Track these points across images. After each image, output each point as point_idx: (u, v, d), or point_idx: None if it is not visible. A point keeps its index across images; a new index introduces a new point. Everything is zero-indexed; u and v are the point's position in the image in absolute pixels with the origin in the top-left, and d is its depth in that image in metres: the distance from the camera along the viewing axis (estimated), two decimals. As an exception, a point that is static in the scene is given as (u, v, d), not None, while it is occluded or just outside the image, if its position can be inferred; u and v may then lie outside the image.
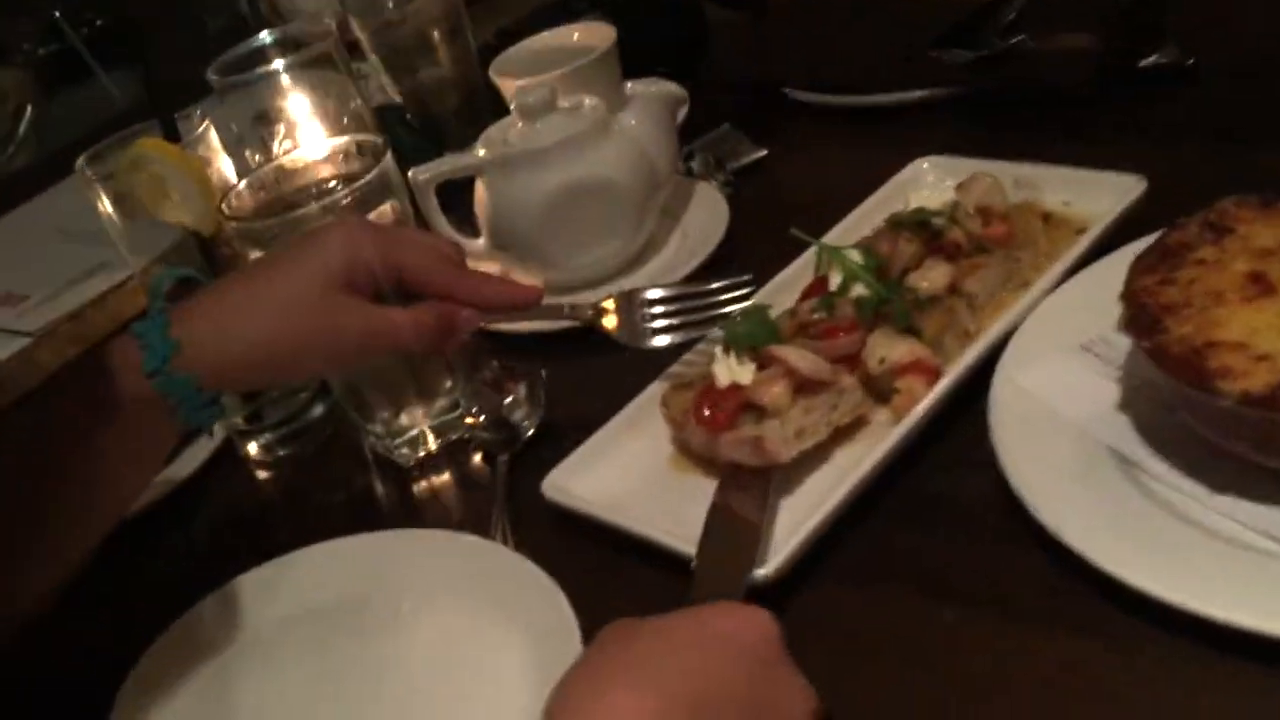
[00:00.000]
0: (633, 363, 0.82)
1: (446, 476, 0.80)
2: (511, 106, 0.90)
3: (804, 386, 0.65)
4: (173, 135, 0.80)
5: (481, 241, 0.92)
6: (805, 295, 0.73)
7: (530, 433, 0.77)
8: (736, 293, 0.74)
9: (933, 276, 0.70)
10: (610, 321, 0.73)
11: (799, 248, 0.81)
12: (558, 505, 0.69)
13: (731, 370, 0.66)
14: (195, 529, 0.83)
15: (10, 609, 0.63)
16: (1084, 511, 0.56)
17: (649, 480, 0.69)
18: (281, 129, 0.98)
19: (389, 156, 0.74)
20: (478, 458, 0.78)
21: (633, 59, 0.96)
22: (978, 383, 0.66)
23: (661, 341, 0.73)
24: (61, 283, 1.05)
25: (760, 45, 1.14)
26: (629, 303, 0.74)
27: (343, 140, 0.81)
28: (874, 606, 0.60)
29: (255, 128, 0.96)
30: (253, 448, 0.86)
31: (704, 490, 0.66)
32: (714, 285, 0.75)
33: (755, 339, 0.67)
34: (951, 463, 0.65)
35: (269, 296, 0.65)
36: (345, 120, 0.97)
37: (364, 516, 0.79)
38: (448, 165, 0.89)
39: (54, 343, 0.99)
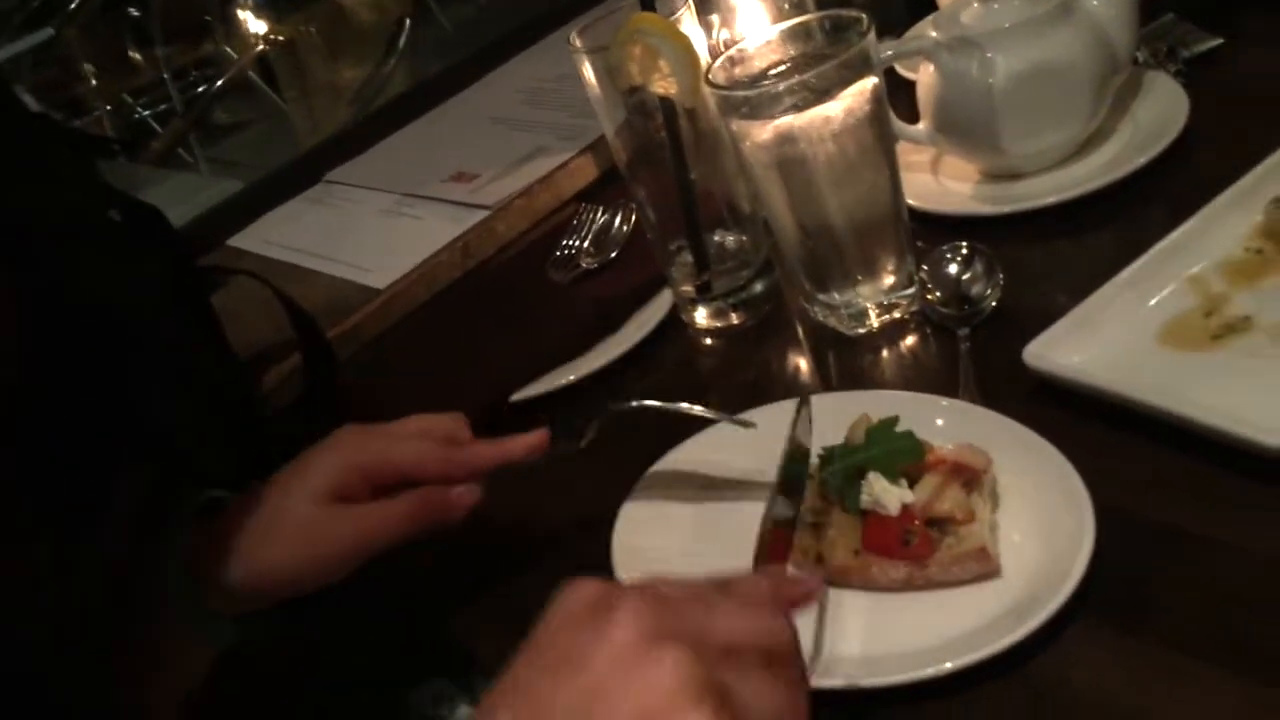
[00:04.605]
0: (1098, 247, 0.82)
1: (891, 350, 0.82)
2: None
3: (970, 482, 0.63)
4: (648, 10, 0.85)
5: (921, 126, 0.92)
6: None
7: (993, 306, 0.78)
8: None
9: None
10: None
11: (1266, 148, 0.76)
12: (1042, 373, 0.69)
13: (898, 494, 0.63)
14: (650, 387, 0.87)
15: None
16: None
17: (1138, 355, 0.69)
18: (716, 19, 1.02)
19: (873, 33, 0.76)
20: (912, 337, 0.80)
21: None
22: None
23: None
24: (505, 164, 1.14)
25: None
26: None
27: (812, 16, 0.82)
28: None
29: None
30: (700, 315, 0.91)
31: (1203, 366, 0.64)
32: None
33: (908, 456, 0.64)
34: None
35: (260, 525, 0.67)
36: (786, 8, 1.00)
37: (817, 381, 0.83)
38: (896, 48, 0.90)
39: (508, 216, 1.08)
